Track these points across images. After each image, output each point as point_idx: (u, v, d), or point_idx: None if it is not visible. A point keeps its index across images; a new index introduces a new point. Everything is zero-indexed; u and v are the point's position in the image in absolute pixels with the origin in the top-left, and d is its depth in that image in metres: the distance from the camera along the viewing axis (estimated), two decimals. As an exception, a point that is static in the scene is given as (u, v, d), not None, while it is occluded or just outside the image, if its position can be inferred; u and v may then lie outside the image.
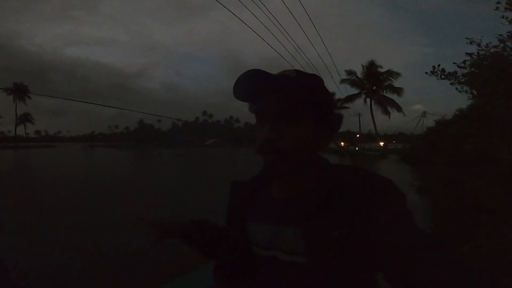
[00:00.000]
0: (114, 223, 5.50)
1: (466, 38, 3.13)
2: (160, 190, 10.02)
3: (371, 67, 27.02)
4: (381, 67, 27.03)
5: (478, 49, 3.06)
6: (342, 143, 39.99)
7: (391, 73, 26.60)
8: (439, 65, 3.10)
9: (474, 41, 3.09)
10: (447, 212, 3.33)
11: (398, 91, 26.33)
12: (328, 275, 0.51)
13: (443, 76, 2.98)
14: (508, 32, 2.96)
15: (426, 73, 3.06)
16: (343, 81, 27.15)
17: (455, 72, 3.02)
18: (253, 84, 0.56)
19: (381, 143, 32.34)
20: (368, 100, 28.05)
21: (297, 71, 0.59)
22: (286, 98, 0.55)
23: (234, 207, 0.71)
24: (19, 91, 66.52)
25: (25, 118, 76.24)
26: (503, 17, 2.91)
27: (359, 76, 27.84)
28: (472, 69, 3.12)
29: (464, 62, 2.96)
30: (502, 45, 2.97)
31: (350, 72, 27.50)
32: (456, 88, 3.01)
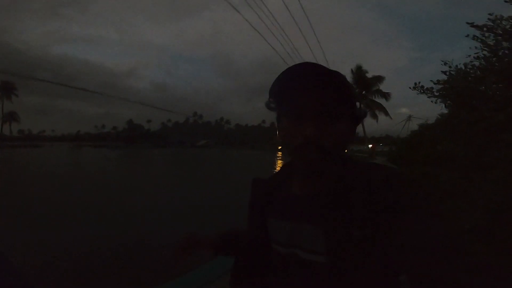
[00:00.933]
0: (110, 223, 5.61)
1: (441, 60, 3.99)
2: (157, 191, 10.08)
3: (359, 72, 28.41)
4: (367, 72, 28.51)
5: (449, 69, 3.93)
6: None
7: (378, 78, 28.19)
8: (419, 82, 3.95)
9: (447, 63, 3.97)
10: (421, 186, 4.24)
11: (386, 95, 27.94)
12: (349, 275, 0.50)
13: (422, 91, 3.84)
14: (475, 53, 3.84)
15: (410, 88, 3.91)
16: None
17: (431, 87, 3.88)
18: (294, 79, 0.54)
19: (369, 145, 33.75)
20: (357, 104, 29.44)
21: (324, 66, 0.56)
22: (329, 94, 0.53)
23: (255, 204, 0.70)
24: (7, 89, 65.06)
25: (11, 117, 74.34)
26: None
27: (349, 80, 29.19)
28: (446, 85, 4.00)
29: (438, 81, 3.82)
30: (467, 67, 3.85)
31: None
32: (432, 101, 3.87)
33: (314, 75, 0.53)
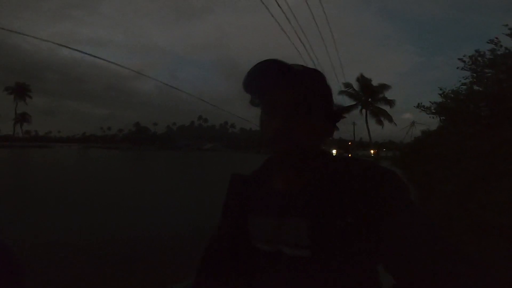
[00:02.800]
0: (119, 225, 5.60)
1: (439, 88, 5.52)
2: (167, 192, 10.18)
3: (365, 80, 29.92)
4: (370, 80, 30.07)
5: (443, 93, 5.45)
6: (335, 150, 42.55)
7: (384, 86, 29.67)
8: (421, 103, 5.48)
9: (441, 89, 5.50)
10: (424, 192, 5.67)
11: (391, 103, 29.41)
12: (333, 267, 0.51)
13: (423, 109, 5.38)
14: (464, 79, 5.34)
15: (415, 106, 5.44)
16: (341, 92, 29.92)
17: (430, 106, 5.41)
18: (266, 75, 0.55)
19: (372, 151, 35.15)
20: (363, 111, 30.93)
21: (302, 66, 0.59)
22: (299, 90, 0.55)
23: (233, 201, 0.68)
24: (20, 91, 67.37)
25: (22, 118, 76.45)
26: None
27: (355, 88, 30.69)
28: (440, 102, 5.52)
29: (435, 102, 5.34)
30: (459, 90, 5.37)
31: (347, 85, 30.21)
32: (430, 116, 5.42)
33: (287, 72, 0.55)
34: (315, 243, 0.53)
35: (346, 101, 31.74)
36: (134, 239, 4.75)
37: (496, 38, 4.57)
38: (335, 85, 29.23)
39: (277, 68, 0.55)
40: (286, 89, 0.56)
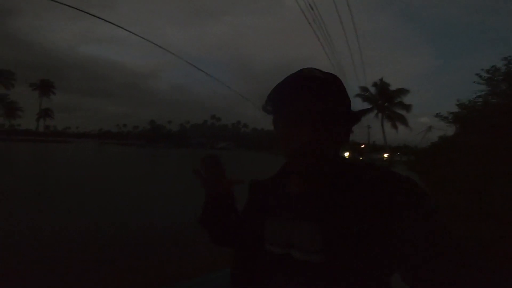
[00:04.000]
0: (133, 221, 5.50)
1: (456, 100, 6.09)
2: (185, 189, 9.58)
3: (382, 85, 29.99)
4: (389, 84, 30.05)
5: (458, 104, 6.01)
6: (347, 153, 42.63)
7: (401, 91, 29.55)
8: (439, 112, 6.07)
9: (458, 100, 6.07)
10: (439, 189, 6.29)
11: (408, 108, 29.21)
12: (343, 274, 0.50)
13: (441, 119, 5.98)
14: (479, 92, 5.88)
15: (434, 116, 6.07)
16: (357, 96, 30.14)
17: (447, 116, 6.00)
18: (291, 86, 0.56)
19: (386, 155, 35.11)
20: (379, 114, 30.95)
21: (319, 70, 0.58)
22: (324, 99, 0.55)
23: (253, 206, 0.70)
24: (45, 87, 70.61)
25: (45, 113, 79.82)
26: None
27: (372, 92, 30.80)
28: (457, 112, 6.09)
29: (452, 112, 5.92)
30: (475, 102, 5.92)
31: (364, 89, 30.35)
32: (447, 125, 6.02)
33: (309, 80, 0.55)
34: (327, 248, 0.52)
35: (360, 105, 31.95)
36: (146, 237, 4.66)
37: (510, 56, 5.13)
38: (355, 87, 29.47)
39: (302, 78, 0.55)
40: (314, 98, 0.55)
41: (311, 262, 0.53)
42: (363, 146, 44.44)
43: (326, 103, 0.55)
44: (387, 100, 30.10)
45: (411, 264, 0.45)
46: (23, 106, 67.21)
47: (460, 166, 5.70)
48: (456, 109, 6.02)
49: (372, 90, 30.78)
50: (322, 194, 0.57)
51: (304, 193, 0.61)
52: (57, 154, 28.51)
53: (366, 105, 31.08)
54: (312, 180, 0.60)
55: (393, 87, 30.08)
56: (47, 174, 12.65)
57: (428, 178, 11.10)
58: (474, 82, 6.04)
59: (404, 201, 0.49)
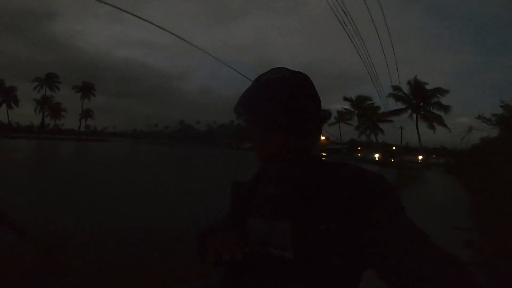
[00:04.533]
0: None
1: (500, 101, 5.96)
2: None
3: (417, 84, 28.66)
4: (425, 83, 28.62)
5: (502, 105, 5.87)
6: (378, 155, 41.13)
7: (439, 91, 27.98)
8: (482, 114, 5.97)
9: (502, 101, 5.93)
10: (478, 193, 6.19)
11: (446, 108, 27.62)
12: (315, 271, 0.51)
13: (484, 121, 5.88)
14: None
15: (476, 117, 6.00)
16: (389, 96, 29.10)
17: (490, 118, 5.89)
18: (257, 89, 0.57)
19: (420, 157, 33.47)
20: (414, 115, 29.63)
21: (288, 70, 0.59)
22: (294, 101, 0.55)
23: (234, 206, 0.73)
24: (86, 89, 76.25)
25: (87, 114, 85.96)
26: None
27: (405, 91, 29.56)
28: (501, 114, 5.94)
29: (495, 114, 5.80)
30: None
31: (396, 88, 29.13)
32: (490, 127, 5.90)
33: (276, 83, 0.56)
34: (297, 246, 0.54)
35: (393, 105, 30.72)
36: (176, 234, 4.49)
37: None
38: (387, 87, 28.37)
39: (268, 81, 0.57)
40: (280, 102, 0.55)
41: (283, 258, 0.56)
42: (394, 148, 42.70)
43: (295, 104, 0.55)
44: (422, 99, 28.77)
45: (385, 260, 0.45)
46: (66, 107, 73.44)
47: (503, 170, 5.57)
48: (500, 110, 5.88)
49: (406, 89, 29.59)
50: (294, 194, 0.59)
51: (278, 194, 0.63)
52: (97, 152, 30.67)
53: (400, 105, 30.13)
54: (285, 181, 0.62)
55: (429, 86, 28.74)
56: (89, 171, 13.58)
57: (467, 181, 10.67)
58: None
59: (373, 198, 0.50)
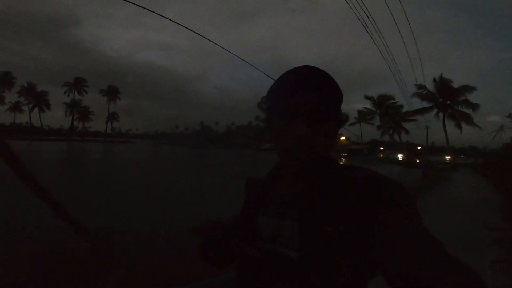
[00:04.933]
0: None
1: None
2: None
3: (443, 81, 27.59)
4: (451, 81, 27.48)
5: None
6: (401, 155, 39.78)
7: (466, 88, 26.73)
8: None
9: None
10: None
11: (474, 107, 26.33)
12: (318, 272, 0.51)
13: None
14: None
15: (506, 116, 5.80)
16: (414, 95, 28.19)
17: None
18: (287, 82, 0.57)
19: (448, 157, 32.07)
20: (440, 114, 28.56)
21: (314, 68, 0.58)
22: (320, 96, 0.56)
23: (248, 204, 0.73)
24: (112, 92, 79.77)
25: (112, 117, 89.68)
26: None
27: (431, 90, 28.52)
28: None
29: None
30: None
31: (420, 86, 28.21)
32: None
33: (304, 77, 0.56)
34: (302, 246, 0.54)
35: (419, 103, 29.71)
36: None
37: None
38: (411, 85, 27.52)
39: (296, 75, 0.58)
40: (309, 94, 0.56)
41: (289, 257, 0.56)
42: (419, 147, 41.16)
43: (319, 100, 0.56)
44: (449, 98, 27.60)
45: (394, 267, 0.43)
46: (94, 110, 77.10)
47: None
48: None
49: (431, 87, 28.54)
50: (304, 194, 0.59)
51: (289, 193, 0.62)
52: (122, 154, 32.06)
53: (425, 104, 29.07)
54: (303, 177, 0.61)
55: (455, 84, 27.52)
56: (114, 172, 14.27)
57: (498, 181, 10.22)
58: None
59: (385, 204, 0.49)
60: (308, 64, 0.59)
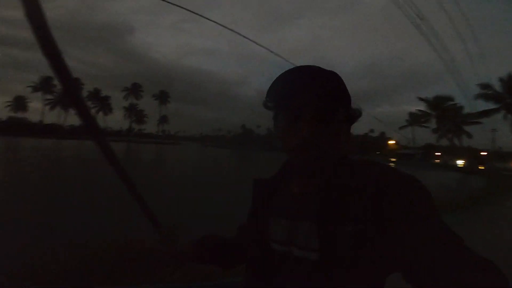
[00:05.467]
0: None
1: None
2: None
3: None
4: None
5: None
6: (461, 161, 36.05)
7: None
8: None
9: None
10: None
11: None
12: (340, 272, 0.50)
13: None
14: None
15: None
16: (478, 96, 25.57)
17: None
18: (293, 81, 0.56)
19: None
20: (508, 116, 25.44)
21: (320, 68, 0.58)
22: (325, 95, 0.55)
23: (257, 205, 0.71)
24: (163, 97, 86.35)
25: (163, 119, 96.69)
26: None
27: (496, 89, 25.58)
28: None
29: None
30: None
31: (485, 86, 25.56)
32: None
33: (310, 76, 0.56)
34: (323, 247, 0.52)
35: (484, 105, 26.82)
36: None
37: None
38: (471, 85, 25.02)
39: (303, 73, 0.57)
40: (314, 94, 0.55)
41: (308, 259, 0.54)
42: (484, 153, 36.90)
43: (326, 99, 0.56)
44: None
45: (413, 264, 0.44)
46: (148, 113, 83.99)
47: None
48: None
49: (497, 86, 25.51)
50: (320, 194, 0.57)
51: (304, 192, 0.61)
52: (171, 155, 34.53)
53: (491, 105, 26.11)
54: (312, 177, 0.60)
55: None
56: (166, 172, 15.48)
57: None
58: None
59: (406, 200, 0.48)
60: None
